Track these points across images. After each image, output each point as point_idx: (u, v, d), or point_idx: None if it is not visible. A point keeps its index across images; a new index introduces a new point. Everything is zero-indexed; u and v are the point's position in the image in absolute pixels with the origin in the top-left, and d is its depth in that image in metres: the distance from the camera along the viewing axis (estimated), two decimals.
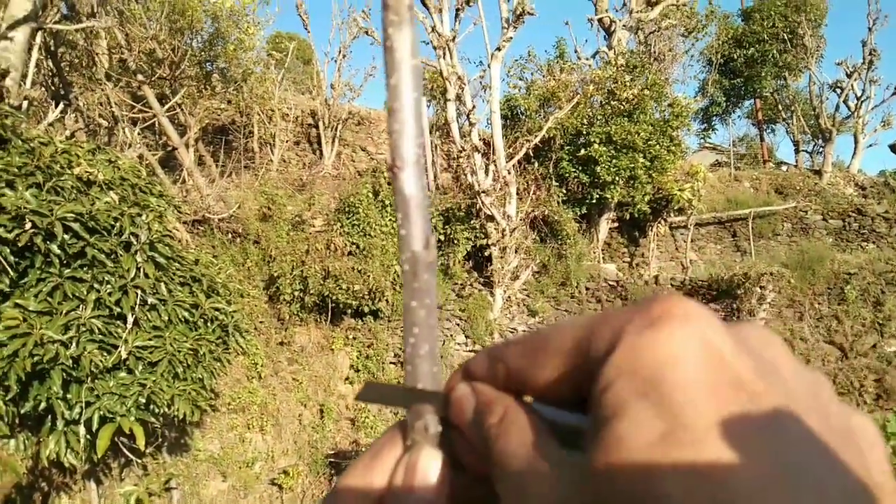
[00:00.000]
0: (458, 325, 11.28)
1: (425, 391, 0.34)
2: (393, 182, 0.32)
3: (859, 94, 17.35)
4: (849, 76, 17.27)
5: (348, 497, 0.33)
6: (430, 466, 0.32)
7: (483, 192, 11.19)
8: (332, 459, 9.38)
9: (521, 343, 0.31)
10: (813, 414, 0.24)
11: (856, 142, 17.89)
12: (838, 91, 17.58)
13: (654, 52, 16.44)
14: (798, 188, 15.78)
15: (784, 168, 19.29)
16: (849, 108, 17.66)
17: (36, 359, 4.40)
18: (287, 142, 13.80)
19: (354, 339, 10.94)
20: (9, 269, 4.43)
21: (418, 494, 0.32)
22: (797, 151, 20.29)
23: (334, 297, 10.30)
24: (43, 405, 4.65)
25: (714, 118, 22.43)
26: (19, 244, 4.41)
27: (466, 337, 11.19)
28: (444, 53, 11.42)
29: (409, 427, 0.33)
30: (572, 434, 0.30)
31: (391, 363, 10.90)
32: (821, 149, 18.95)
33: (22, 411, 4.60)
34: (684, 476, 0.22)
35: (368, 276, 10.35)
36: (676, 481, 0.22)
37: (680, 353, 0.24)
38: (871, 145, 18.68)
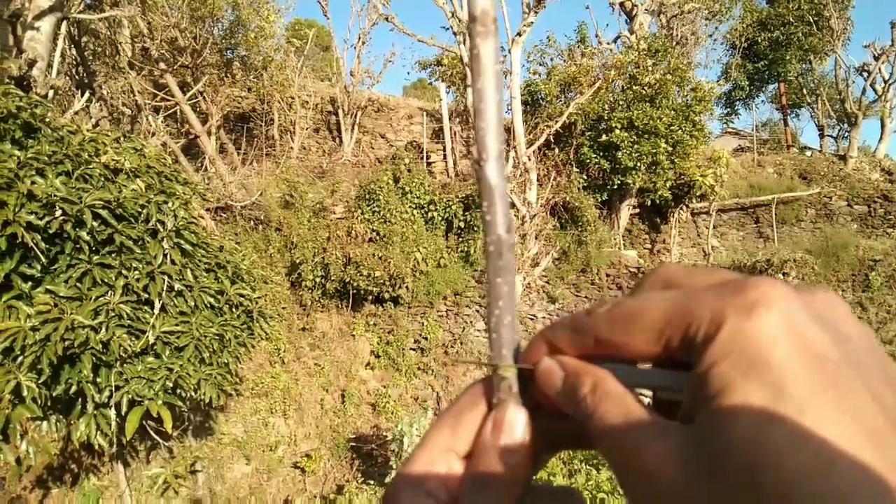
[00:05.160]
0: (477, 311, 11.30)
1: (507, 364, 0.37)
2: (478, 173, 0.35)
3: (887, 77, 16.99)
4: (876, 59, 16.92)
5: (436, 453, 0.37)
6: (517, 421, 0.36)
7: None
8: (353, 443, 9.48)
9: (608, 315, 0.34)
10: (876, 371, 0.29)
11: (882, 126, 17.54)
12: (865, 74, 17.24)
13: (677, 36, 16.23)
14: (822, 173, 15.53)
15: (808, 153, 18.97)
16: (876, 91, 17.32)
17: (67, 343, 4.49)
18: (307, 129, 13.84)
19: (375, 325, 11.01)
20: (40, 256, 4.51)
21: (507, 447, 0.35)
22: (822, 136, 19.97)
23: (355, 284, 10.36)
24: (74, 388, 4.74)
25: (737, 103, 22.13)
26: (50, 231, 4.49)
27: (486, 323, 11.21)
28: (465, 39, 11.37)
29: (494, 387, 0.37)
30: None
31: (411, 349, 10.96)
32: (846, 133, 18.64)
33: (54, 394, 4.70)
34: (792, 434, 0.26)
35: (389, 262, 10.39)
36: (786, 439, 0.26)
37: (776, 338, 0.29)
38: None
